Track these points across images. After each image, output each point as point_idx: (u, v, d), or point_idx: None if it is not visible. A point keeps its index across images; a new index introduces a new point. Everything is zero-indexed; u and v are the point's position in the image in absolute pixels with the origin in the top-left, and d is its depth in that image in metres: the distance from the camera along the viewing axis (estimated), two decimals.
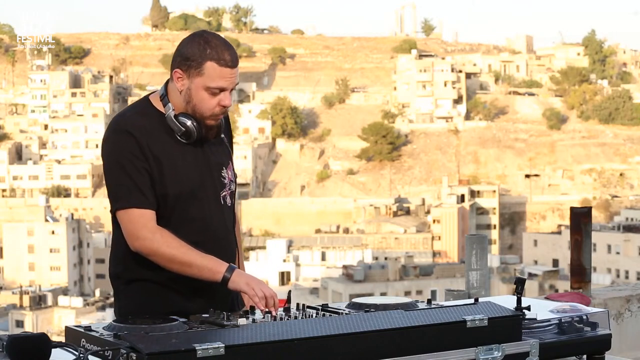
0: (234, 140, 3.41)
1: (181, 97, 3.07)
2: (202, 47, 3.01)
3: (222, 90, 3.04)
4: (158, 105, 3.11)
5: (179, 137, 3.07)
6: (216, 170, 3.16)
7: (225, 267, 2.98)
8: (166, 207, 3.05)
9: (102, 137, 3.19)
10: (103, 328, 2.64)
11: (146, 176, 3.01)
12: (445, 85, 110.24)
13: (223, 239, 3.16)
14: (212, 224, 3.12)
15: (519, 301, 2.99)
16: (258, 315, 2.86)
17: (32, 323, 52.99)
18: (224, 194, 3.18)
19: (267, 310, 2.90)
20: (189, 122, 3.04)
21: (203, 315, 2.80)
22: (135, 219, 2.99)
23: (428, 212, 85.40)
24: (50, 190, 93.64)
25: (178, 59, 3.06)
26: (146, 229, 2.99)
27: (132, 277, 3.13)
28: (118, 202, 3.02)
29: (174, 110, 3.07)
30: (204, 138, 3.10)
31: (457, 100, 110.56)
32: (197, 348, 2.36)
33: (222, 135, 3.18)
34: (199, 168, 3.11)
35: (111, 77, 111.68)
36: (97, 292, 66.52)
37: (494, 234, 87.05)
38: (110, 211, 3.08)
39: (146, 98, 3.16)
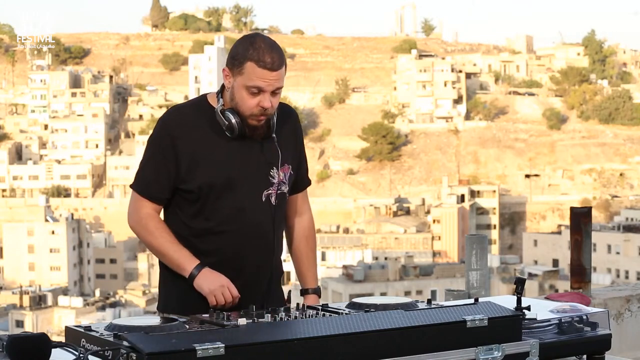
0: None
1: (228, 93, 3.19)
2: (246, 47, 3.11)
3: (260, 91, 3.10)
4: (212, 101, 3.24)
5: (225, 131, 3.18)
6: (264, 168, 3.24)
7: (194, 265, 3.14)
8: (200, 195, 3.18)
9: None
10: (103, 328, 2.64)
11: (163, 167, 3.19)
12: (445, 85, 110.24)
13: (263, 234, 3.23)
14: (247, 216, 3.19)
15: (519, 301, 2.99)
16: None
17: (32, 323, 52.98)
18: (269, 192, 3.24)
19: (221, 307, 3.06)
20: (233, 118, 3.15)
21: (203, 315, 2.80)
22: (134, 202, 3.26)
23: (428, 212, 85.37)
24: (50, 190, 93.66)
25: (228, 57, 3.18)
26: (138, 214, 3.23)
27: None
28: (133, 182, 3.27)
29: (223, 105, 3.19)
30: (251, 137, 3.19)
31: (457, 100, 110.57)
32: (197, 348, 2.36)
33: (274, 136, 3.24)
34: (241, 163, 3.20)
35: (111, 77, 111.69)
36: (97, 292, 66.54)
37: (494, 234, 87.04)
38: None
39: (204, 94, 3.31)
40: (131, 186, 3.28)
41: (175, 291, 3.23)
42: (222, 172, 3.17)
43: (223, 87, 3.24)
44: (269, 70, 3.08)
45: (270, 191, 3.25)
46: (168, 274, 3.26)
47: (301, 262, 3.45)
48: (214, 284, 3.10)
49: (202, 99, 3.28)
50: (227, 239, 3.18)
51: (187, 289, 3.17)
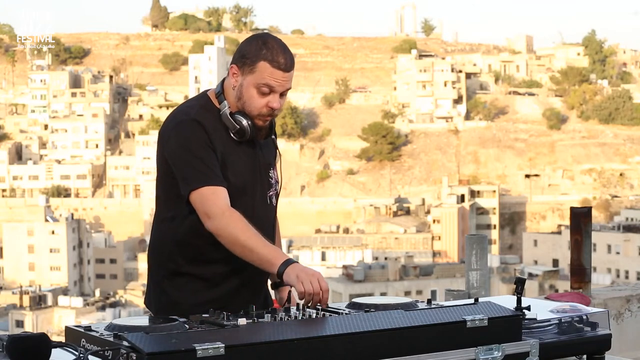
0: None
1: (234, 93, 3.12)
2: (258, 47, 3.07)
3: (271, 91, 3.08)
4: (215, 101, 3.17)
5: (232, 135, 3.12)
6: (265, 170, 3.23)
7: (283, 260, 2.96)
8: None
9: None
10: (103, 328, 2.64)
11: (215, 159, 3.05)
12: (445, 85, 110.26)
13: (266, 237, 3.15)
14: (258, 222, 3.12)
15: (519, 301, 2.99)
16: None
17: (32, 323, 53.00)
18: (270, 193, 3.25)
19: (309, 306, 2.89)
20: (244, 121, 3.10)
21: (203, 315, 2.80)
22: (207, 197, 3.00)
23: (428, 212, 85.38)
24: (50, 190, 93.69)
25: (236, 55, 3.12)
26: (216, 207, 2.99)
27: (177, 271, 3.15)
28: (190, 184, 3.02)
29: (229, 107, 3.13)
30: (254, 138, 3.16)
31: (457, 100, 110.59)
32: (197, 348, 2.35)
33: (273, 137, 3.27)
34: (249, 166, 3.16)
35: (111, 77, 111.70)
36: (97, 292, 66.57)
37: (494, 234, 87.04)
38: (183, 196, 3.06)
39: (205, 94, 3.22)
40: (192, 189, 3.01)
41: (172, 292, 3.17)
42: (238, 177, 3.11)
43: (222, 86, 3.18)
44: (282, 71, 3.06)
45: (271, 192, 3.26)
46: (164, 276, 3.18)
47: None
48: (304, 274, 2.92)
49: (207, 99, 3.19)
50: None
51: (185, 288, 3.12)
